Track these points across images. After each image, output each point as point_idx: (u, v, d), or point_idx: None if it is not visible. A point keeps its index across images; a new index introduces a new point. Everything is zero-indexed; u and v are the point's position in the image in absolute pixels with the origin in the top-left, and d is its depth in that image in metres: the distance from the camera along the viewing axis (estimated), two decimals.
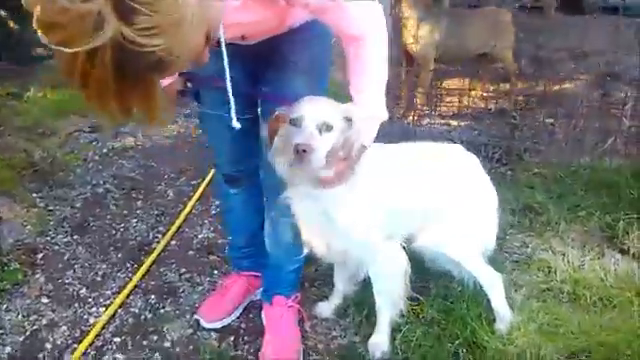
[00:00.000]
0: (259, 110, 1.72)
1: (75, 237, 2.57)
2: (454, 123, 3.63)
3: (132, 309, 2.12)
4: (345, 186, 1.52)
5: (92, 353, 1.90)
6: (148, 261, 2.36)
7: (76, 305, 2.13)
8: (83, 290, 2.22)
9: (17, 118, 3.84)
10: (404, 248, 1.78)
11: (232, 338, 1.97)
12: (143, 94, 0.93)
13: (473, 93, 3.62)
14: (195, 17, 0.89)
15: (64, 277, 2.29)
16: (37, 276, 2.29)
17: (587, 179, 2.81)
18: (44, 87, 4.30)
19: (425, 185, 1.77)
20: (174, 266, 2.38)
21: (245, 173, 1.86)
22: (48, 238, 2.55)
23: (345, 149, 1.48)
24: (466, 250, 1.86)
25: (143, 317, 2.08)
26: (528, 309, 1.92)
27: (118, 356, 1.89)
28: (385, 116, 1.52)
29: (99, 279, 2.29)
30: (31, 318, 2.05)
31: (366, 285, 2.00)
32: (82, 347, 1.89)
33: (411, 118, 3.53)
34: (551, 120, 3.19)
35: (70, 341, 1.95)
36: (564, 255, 2.29)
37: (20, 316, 2.06)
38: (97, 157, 3.42)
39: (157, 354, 1.90)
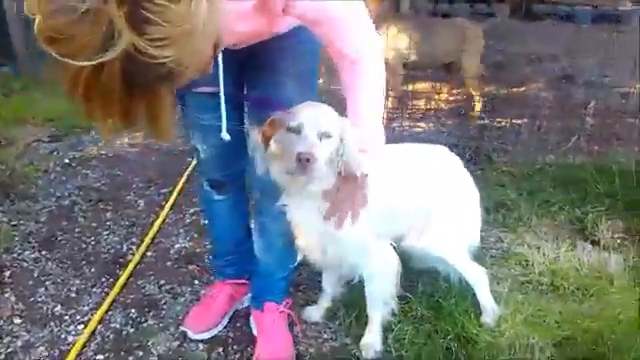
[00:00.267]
0: (245, 114, 1.70)
1: (43, 253, 2.45)
2: (423, 125, 3.70)
3: (112, 324, 2.03)
4: None
5: None
6: (125, 274, 2.28)
7: (52, 324, 2.02)
8: (58, 308, 2.11)
9: None
10: (394, 248, 1.80)
11: (221, 348, 1.92)
12: (151, 106, 0.90)
13: (441, 97, 3.70)
14: (205, 27, 0.87)
15: (36, 295, 2.17)
16: (7, 295, 2.16)
17: (553, 176, 2.92)
18: None
19: (413, 186, 1.80)
20: (152, 278, 2.30)
21: (231, 178, 1.82)
22: (14, 255, 2.42)
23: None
24: (453, 248, 1.89)
25: (125, 332, 1.99)
26: (513, 302, 1.97)
27: None
28: (379, 143, 1.52)
29: (74, 295, 2.19)
30: (5, 340, 1.93)
31: (354, 287, 2.01)
32: None
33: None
34: (518, 121, 3.30)
35: None
36: (539, 248, 2.37)
37: None
38: (59, 168, 3.29)
39: None
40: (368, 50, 1.36)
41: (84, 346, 1.90)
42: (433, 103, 3.80)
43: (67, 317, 2.06)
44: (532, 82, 4.38)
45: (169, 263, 2.41)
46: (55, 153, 3.46)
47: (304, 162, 1.35)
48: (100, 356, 1.88)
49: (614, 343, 1.71)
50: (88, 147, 3.60)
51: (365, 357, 1.83)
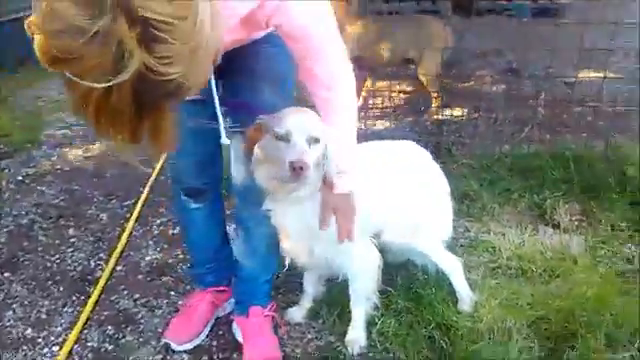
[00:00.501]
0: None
1: (6, 274, 2.35)
2: (383, 123, 3.76)
3: (89, 343, 1.97)
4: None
5: None
6: (97, 291, 2.21)
7: (25, 348, 1.95)
8: (29, 330, 2.03)
9: None
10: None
11: (206, 357, 1.90)
12: (157, 121, 0.91)
13: (400, 94, 3.78)
14: (208, 42, 0.88)
15: (4, 319, 2.08)
16: None
17: (510, 165, 3.04)
18: None
19: (386, 182, 1.84)
20: (125, 293, 2.24)
21: (210, 185, 1.81)
22: None
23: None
24: (428, 239, 1.95)
25: (104, 349, 1.94)
26: (487, 288, 2.05)
27: None
28: (353, 168, 1.55)
29: (44, 317, 2.11)
30: None
31: (334, 285, 2.04)
32: None
33: None
34: (475, 115, 3.42)
35: None
36: (504, 235, 2.46)
37: None
38: (12, 185, 3.14)
39: None
40: (342, 74, 1.39)
41: None
42: (391, 101, 3.87)
43: (40, 339, 1.99)
44: (479, 77, 4.56)
45: (141, 276, 2.35)
46: (7, 171, 3.30)
47: (298, 170, 1.37)
48: None
49: (585, 320, 1.81)
50: (40, 162, 3.46)
51: (351, 353, 1.86)
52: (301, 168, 1.36)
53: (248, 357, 1.79)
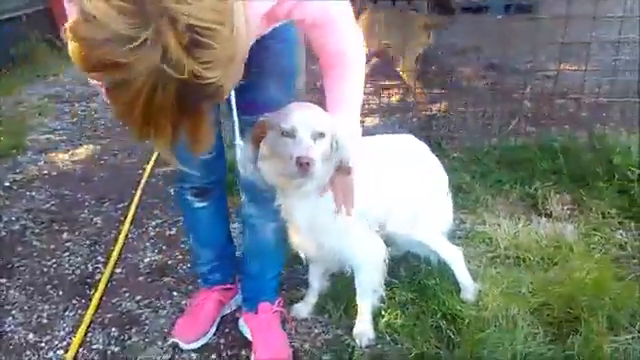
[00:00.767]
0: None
1: (3, 280, 2.30)
2: (372, 119, 3.80)
3: (95, 346, 1.95)
4: None
5: None
6: (98, 293, 2.19)
7: (28, 353, 1.92)
8: (31, 336, 2.00)
9: None
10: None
11: (214, 355, 1.90)
12: (195, 122, 0.94)
13: (389, 91, 3.82)
14: (243, 45, 0.93)
15: (4, 325, 2.04)
16: None
17: (499, 158, 3.11)
18: None
19: (388, 174, 1.87)
20: (127, 295, 2.22)
21: (215, 184, 1.81)
22: None
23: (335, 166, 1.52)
24: (431, 231, 1.99)
25: (110, 352, 1.93)
26: (488, 277, 2.10)
27: None
28: (360, 133, 1.56)
29: (45, 321, 2.08)
30: None
31: (339, 279, 2.06)
32: None
33: None
34: (463, 109, 3.47)
35: None
36: (499, 226, 2.52)
37: None
38: (1, 192, 3.07)
39: None
40: (357, 44, 1.41)
41: None
42: (380, 97, 3.91)
43: (43, 344, 1.96)
44: (460, 72, 4.63)
45: (141, 278, 2.33)
46: None
47: (305, 166, 1.38)
48: None
49: (586, 304, 1.87)
50: (27, 168, 3.39)
51: (360, 345, 1.88)
52: (307, 163, 1.38)
53: (258, 354, 1.80)
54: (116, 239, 2.59)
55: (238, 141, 1.31)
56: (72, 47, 0.84)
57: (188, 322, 1.93)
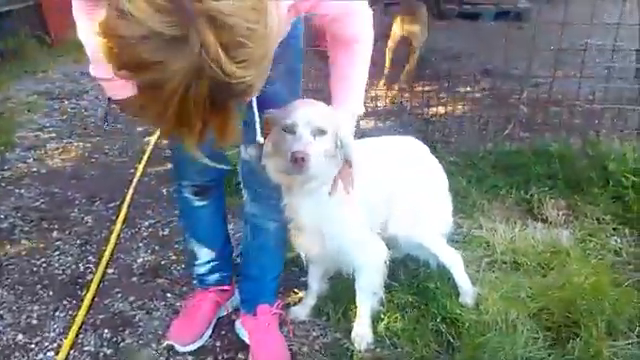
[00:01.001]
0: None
1: None
2: (367, 122, 3.78)
3: (86, 348, 1.90)
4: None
5: None
6: (89, 294, 2.14)
7: (17, 354, 1.86)
8: (20, 336, 1.94)
9: None
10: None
11: (210, 358, 1.86)
12: (224, 119, 0.94)
13: (387, 93, 3.81)
14: (274, 45, 0.92)
15: None
16: None
17: (494, 163, 3.11)
18: None
19: (392, 175, 1.86)
20: (120, 296, 2.18)
21: (216, 182, 1.78)
22: None
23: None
24: (431, 232, 1.98)
25: (102, 354, 1.88)
26: (487, 281, 2.09)
27: None
28: (362, 111, 1.56)
29: (35, 322, 2.02)
30: None
31: (337, 281, 2.04)
32: None
33: None
34: (459, 114, 3.48)
35: None
36: (495, 230, 2.51)
37: None
38: None
39: None
40: (369, 27, 1.41)
41: None
42: (376, 101, 3.91)
43: (33, 345, 1.91)
44: (456, 77, 4.64)
45: (134, 279, 2.29)
46: None
47: (299, 161, 1.36)
48: None
49: (585, 309, 1.86)
50: (16, 165, 3.32)
51: (358, 349, 1.86)
52: (302, 159, 1.36)
53: (256, 356, 1.76)
54: (108, 239, 2.54)
55: (259, 138, 1.29)
56: (105, 45, 0.83)
57: (184, 324, 1.89)
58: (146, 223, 2.71)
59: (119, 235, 2.59)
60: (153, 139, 3.55)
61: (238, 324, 1.93)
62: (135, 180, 3.08)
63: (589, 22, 3.02)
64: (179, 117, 0.86)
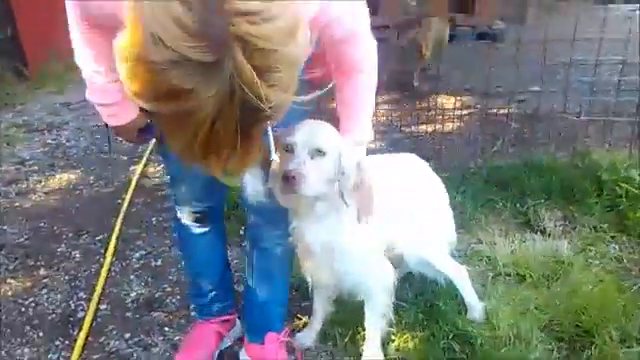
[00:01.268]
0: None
1: None
2: None
3: None
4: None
5: None
6: (83, 333, 2.04)
7: None
8: None
9: None
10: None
11: None
12: (249, 142, 0.88)
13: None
14: (300, 67, 0.90)
15: None
16: None
17: (486, 177, 3.12)
18: None
19: (397, 193, 1.82)
20: (115, 332, 2.08)
21: (215, 208, 1.73)
22: None
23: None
24: (438, 249, 1.94)
25: None
26: (494, 295, 2.05)
27: None
28: (371, 138, 1.54)
29: None
30: None
31: (343, 304, 1.98)
32: None
33: None
34: (449, 129, 3.50)
35: None
36: (495, 244, 2.50)
37: None
38: None
39: None
40: (374, 53, 1.39)
41: None
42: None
43: None
44: (438, 95, 4.69)
45: (129, 314, 2.19)
46: None
47: (291, 180, 1.33)
48: None
49: (595, 317, 1.84)
50: None
51: None
52: (293, 177, 1.33)
53: None
54: (98, 273, 2.44)
55: (274, 156, 1.25)
56: (130, 70, 0.78)
57: (187, 357, 1.81)
58: (137, 254, 2.62)
59: (109, 269, 2.49)
60: (139, 168, 3.48)
61: (243, 354, 1.85)
62: (123, 210, 2.99)
63: (569, 39, 3.08)
64: (207, 144, 0.82)
